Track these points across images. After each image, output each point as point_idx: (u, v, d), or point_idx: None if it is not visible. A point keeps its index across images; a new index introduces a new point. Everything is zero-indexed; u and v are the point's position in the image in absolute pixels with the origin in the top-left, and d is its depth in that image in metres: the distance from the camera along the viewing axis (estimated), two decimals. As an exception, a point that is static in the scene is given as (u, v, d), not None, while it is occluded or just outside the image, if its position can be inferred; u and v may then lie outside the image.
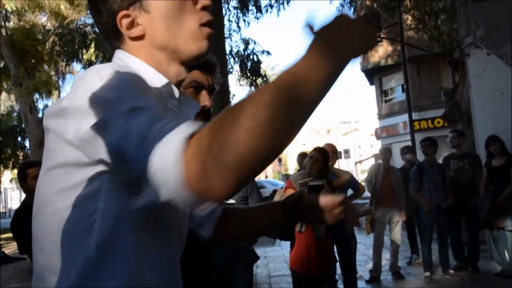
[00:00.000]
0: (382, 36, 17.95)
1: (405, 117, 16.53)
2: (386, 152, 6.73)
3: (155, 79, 0.94)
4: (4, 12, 17.42)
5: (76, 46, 16.18)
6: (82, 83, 0.81)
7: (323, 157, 4.40)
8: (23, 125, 19.37)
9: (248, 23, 14.70)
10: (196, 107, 1.07)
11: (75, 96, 0.80)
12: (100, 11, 0.97)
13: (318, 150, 4.50)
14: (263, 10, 14.77)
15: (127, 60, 0.96)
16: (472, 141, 7.80)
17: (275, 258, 8.61)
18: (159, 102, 0.81)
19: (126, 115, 0.72)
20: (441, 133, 17.16)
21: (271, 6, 14.61)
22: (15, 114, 23.02)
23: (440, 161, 6.68)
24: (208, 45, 0.98)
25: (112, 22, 0.96)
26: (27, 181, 3.40)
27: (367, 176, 6.98)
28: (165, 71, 0.97)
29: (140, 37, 0.96)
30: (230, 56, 14.57)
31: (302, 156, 6.70)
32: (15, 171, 21.45)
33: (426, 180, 6.21)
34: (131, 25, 0.95)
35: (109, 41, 1.01)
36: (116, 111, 0.74)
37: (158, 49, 0.96)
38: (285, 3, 12.84)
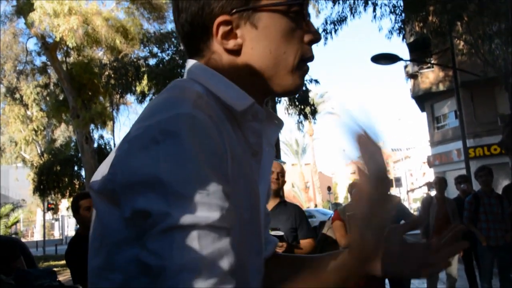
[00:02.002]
0: (432, 62, 17.63)
1: (459, 144, 15.97)
2: (440, 182, 6.49)
3: (241, 99, 0.80)
4: (65, 49, 18.51)
5: (130, 79, 16.86)
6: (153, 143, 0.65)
7: None
8: (79, 155, 20.22)
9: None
10: (280, 126, 0.94)
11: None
12: (194, 3, 0.81)
13: None
14: (311, 39, 14.85)
15: (206, 77, 0.81)
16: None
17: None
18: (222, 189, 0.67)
19: (166, 234, 0.62)
20: (498, 160, 16.43)
21: (318, 35, 14.67)
22: (73, 144, 24.05)
23: (498, 191, 6.37)
24: (302, 85, 0.87)
25: (204, 23, 0.80)
26: (80, 212, 3.50)
27: (419, 207, 6.75)
28: None
29: (234, 52, 0.81)
30: (278, 85, 14.68)
31: (352, 187, 6.59)
32: (72, 199, 22.26)
33: (483, 211, 5.93)
34: (228, 34, 0.80)
35: (188, 40, 0.84)
36: (159, 219, 0.62)
37: (250, 72, 0.82)
38: (333, 32, 12.87)
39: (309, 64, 0.87)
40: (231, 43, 0.80)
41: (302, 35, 0.83)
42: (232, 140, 0.76)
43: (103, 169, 0.75)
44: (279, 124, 0.93)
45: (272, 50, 0.80)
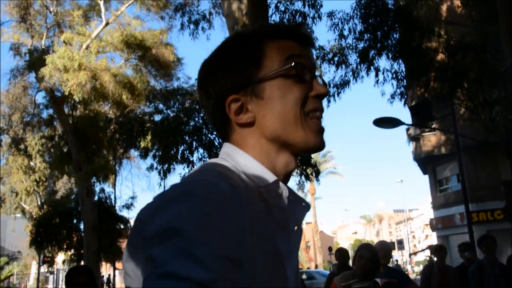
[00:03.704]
0: (434, 126, 17.83)
1: (461, 208, 15.83)
2: (440, 250, 6.39)
3: (264, 176, 0.84)
4: (72, 102, 18.86)
5: (134, 134, 16.99)
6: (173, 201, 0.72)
7: (373, 256, 4.17)
8: (79, 208, 20.09)
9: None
10: (307, 208, 0.94)
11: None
12: (209, 94, 0.91)
13: (368, 248, 4.25)
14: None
15: (235, 156, 0.87)
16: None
17: None
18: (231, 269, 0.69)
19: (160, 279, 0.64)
20: (502, 226, 16.17)
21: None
22: (73, 196, 23.95)
23: (503, 259, 6.24)
24: (322, 140, 0.90)
25: (220, 107, 0.89)
26: None
27: (420, 276, 6.59)
28: (273, 162, 0.88)
29: (249, 124, 0.88)
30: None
31: (340, 252, 6.40)
32: (69, 252, 21.90)
33: (487, 282, 5.77)
34: (240, 110, 0.87)
35: (216, 126, 0.93)
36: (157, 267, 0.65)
37: (267, 139, 0.87)
38: (335, 95, 13.11)
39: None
40: (244, 118, 0.87)
41: (306, 91, 0.88)
42: (258, 214, 0.78)
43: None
44: (306, 206, 0.94)
45: (280, 111, 0.86)
